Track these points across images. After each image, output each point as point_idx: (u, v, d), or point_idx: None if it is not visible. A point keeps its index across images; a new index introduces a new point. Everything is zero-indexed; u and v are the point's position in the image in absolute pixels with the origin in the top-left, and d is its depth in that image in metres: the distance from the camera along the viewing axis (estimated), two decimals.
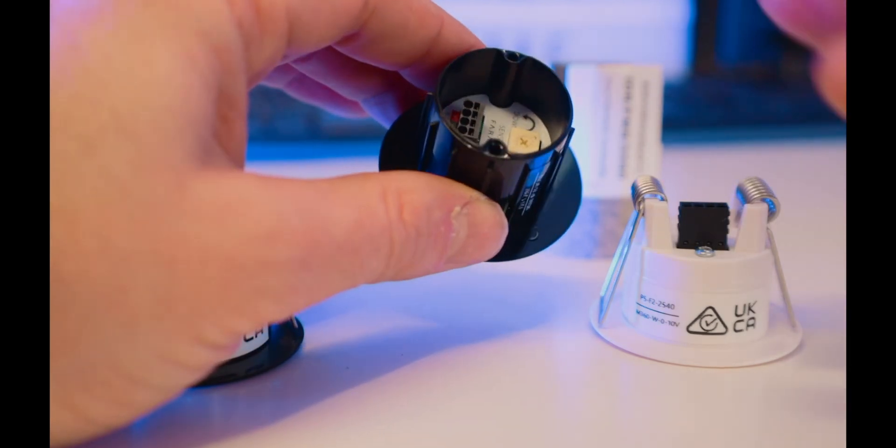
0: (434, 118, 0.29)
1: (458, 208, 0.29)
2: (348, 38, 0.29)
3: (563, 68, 0.41)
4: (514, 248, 0.32)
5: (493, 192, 0.30)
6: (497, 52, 0.30)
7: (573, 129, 0.30)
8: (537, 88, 0.30)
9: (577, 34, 0.76)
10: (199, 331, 0.24)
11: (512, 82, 0.30)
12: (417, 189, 0.28)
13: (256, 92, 0.76)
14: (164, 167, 0.23)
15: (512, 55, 0.30)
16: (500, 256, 0.31)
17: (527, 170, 0.29)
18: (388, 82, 0.33)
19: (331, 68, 0.33)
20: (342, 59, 0.32)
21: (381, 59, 0.30)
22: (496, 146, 0.28)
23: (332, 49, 0.31)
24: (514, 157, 0.28)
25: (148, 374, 0.24)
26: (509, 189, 0.30)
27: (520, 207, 0.31)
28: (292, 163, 0.59)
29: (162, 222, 0.23)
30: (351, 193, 0.27)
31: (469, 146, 0.28)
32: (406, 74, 0.31)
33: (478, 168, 0.29)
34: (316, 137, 0.62)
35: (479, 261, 0.30)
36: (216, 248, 0.24)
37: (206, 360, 0.25)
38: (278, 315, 0.25)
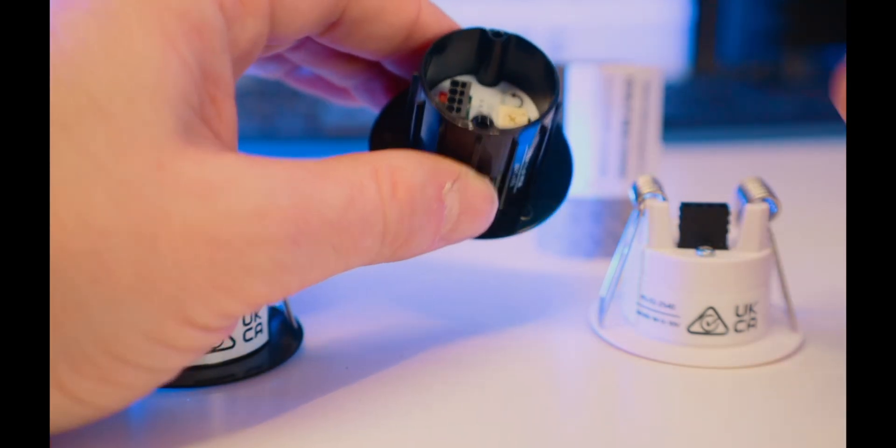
0: (420, 97, 0.29)
1: (449, 184, 0.29)
2: (330, 28, 0.30)
3: (563, 68, 0.41)
4: (508, 227, 0.32)
5: (482, 168, 0.30)
6: (481, 31, 0.30)
7: (560, 103, 0.30)
8: (523, 66, 0.30)
9: (577, 34, 0.76)
10: (186, 311, 0.24)
11: (498, 61, 0.30)
12: (408, 166, 0.28)
13: (256, 91, 0.76)
14: (143, 146, 0.23)
15: (496, 33, 0.30)
16: (495, 234, 0.31)
17: (515, 144, 0.29)
18: (375, 68, 0.33)
19: (320, 55, 0.33)
20: (328, 50, 0.33)
21: (362, 47, 0.31)
22: (483, 121, 0.28)
23: (320, 44, 0.31)
24: (502, 131, 0.29)
25: (136, 353, 0.24)
26: (498, 165, 0.30)
27: (511, 184, 0.31)
28: None
29: (142, 199, 0.23)
30: (342, 172, 0.27)
31: (456, 123, 0.28)
32: (389, 64, 0.32)
33: (466, 144, 0.29)
34: (316, 137, 0.62)
35: (470, 236, 0.30)
36: (200, 225, 0.23)
37: (197, 343, 0.25)
38: (271, 296, 0.25)
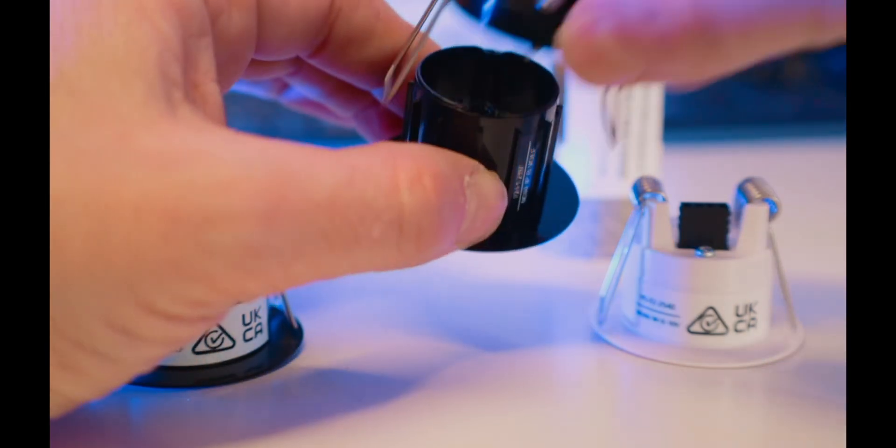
0: (416, 96, 0.28)
1: (467, 177, 0.27)
2: (319, 47, 0.30)
3: (563, 69, 0.41)
4: (515, 241, 0.31)
5: (487, 166, 0.29)
6: (476, 49, 0.30)
7: (561, 106, 0.30)
8: (520, 84, 0.30)
9: None
10: (142, 294, 0.22)
11: (493, 81, 0.30)
12: (432, 155, 0.26)
13: None
14: (107, 118, 0.22)
15: (491, 50, 0.30)
16: (501, 246, 0.30)
17: (517, 136, 0.28)
18: (372, 97, 0.33)
19: (316, 80, 0.33)
20: (324, 78, 0.32)
21: (353, 71, 0.31)
22: (481, 107, 0.28)
23: (314, 69, 0.31)
24: (501, 115, 0.28)
25: (94, 339, 0.22)
26: (502, 162, 0.29)
27: (515, 196, 0.30)
28: None
29: (99, 169, 0.22)
30: (345, 154, 0.24)
31: (457, 109, 0.28)
32: (380, 95, 0.32)
33: (468, 135, 0.28)
34: (316, 137, 0.62)
35: (480, 237, 0.28)
36: (155, 197, 0.22)
37: (166, 333, 0.23)
38: (245, 284, 0.23)
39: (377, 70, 0.30)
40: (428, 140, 0.29)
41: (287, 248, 0.23)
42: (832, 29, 0.22)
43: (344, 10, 0.29)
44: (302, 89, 0.34)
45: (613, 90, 0.30)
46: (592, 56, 0.24)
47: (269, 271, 0.23)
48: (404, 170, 0.24)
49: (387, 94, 0.30)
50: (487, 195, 0.27)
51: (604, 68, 0.24)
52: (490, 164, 0.29)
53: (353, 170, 0.24)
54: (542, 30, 0.26)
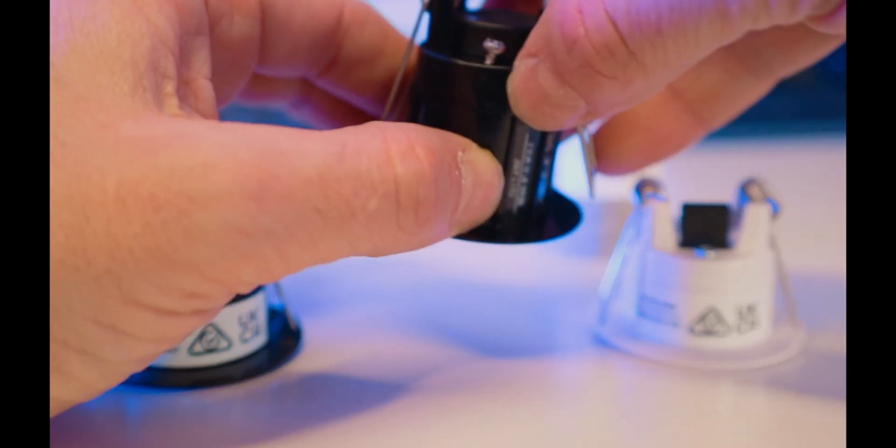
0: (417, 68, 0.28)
1: (460, 153, 0.26)
2: (328, 67, 0.30)
3: None
4: (511, 235, 0.31)
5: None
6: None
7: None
8: None
9: None
10: (128, 287, 0.21)
11: None
12: (421, 131, 0.25)
13: None
14: (90, 109, 0.22)
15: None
16: (496, 237, 0.30)
17: (514, 124, 0.28)
18: None
19: (327, 109, 0.33)
20: (333, 104, 0.32)
21: (362, 92, 0.30)
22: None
23: (323, 93, 0.31)
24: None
25: (80, 338, 0.21)
26: (500, 151, 0.28)
27: (512, 194, 0.30)
28: None
29: (80, 159, 0.21)
30: (334, 133, 0.24)
31: (461, 62, 0.27)
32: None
33: (464, 115, 0.28)
34: None
35: (478, 220, 0.27)
36: (136, 182, 0.21)
37: (157, 330, 0.22)
38: (236, 269, 0.22)
39: (386, 91, 0.30)
40: (422, 122, 0.28)
41: (280, 228, 0.22)
42: (739, 21, 0.23)
43: (352, 29, 0.29)
44: (312, 117, 0.33)
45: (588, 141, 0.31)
46: (538, 98, 0.26)
47: (263, 254, 0.22)
48: (395, 142, 0.24)
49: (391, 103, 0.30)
50: (483, 172, 0.27)
51: (550, 108, 0.26)
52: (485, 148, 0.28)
53: (344, 145, 0.23)
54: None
